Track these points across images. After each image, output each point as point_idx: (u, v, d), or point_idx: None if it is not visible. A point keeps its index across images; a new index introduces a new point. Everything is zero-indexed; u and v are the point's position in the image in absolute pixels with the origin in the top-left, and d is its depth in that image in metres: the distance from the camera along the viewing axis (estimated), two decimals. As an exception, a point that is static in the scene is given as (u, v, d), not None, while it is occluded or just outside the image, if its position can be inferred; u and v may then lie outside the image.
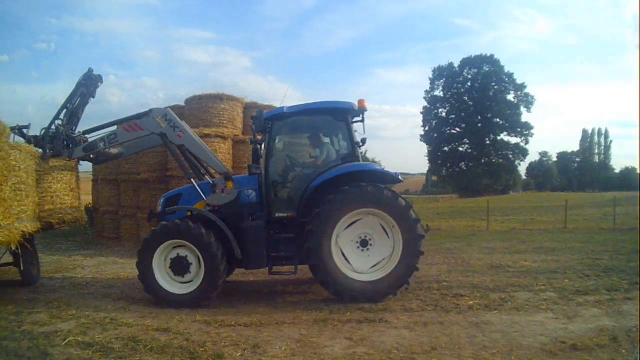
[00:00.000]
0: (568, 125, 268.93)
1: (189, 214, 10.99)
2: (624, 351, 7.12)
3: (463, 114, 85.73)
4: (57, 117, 12.79)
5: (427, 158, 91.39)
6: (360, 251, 10.30)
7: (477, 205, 41.26)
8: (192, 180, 11.40)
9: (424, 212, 34.36)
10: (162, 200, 11.58)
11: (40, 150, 11.98)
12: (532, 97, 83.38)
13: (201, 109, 20.08)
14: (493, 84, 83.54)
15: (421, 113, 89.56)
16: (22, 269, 11.90)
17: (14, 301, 10.74)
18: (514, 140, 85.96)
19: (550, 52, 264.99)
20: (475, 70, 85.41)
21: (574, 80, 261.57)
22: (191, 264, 10.20)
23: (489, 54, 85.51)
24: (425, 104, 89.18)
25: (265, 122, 10.78)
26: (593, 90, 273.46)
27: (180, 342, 7.76)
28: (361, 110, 10.86)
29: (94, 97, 13.39)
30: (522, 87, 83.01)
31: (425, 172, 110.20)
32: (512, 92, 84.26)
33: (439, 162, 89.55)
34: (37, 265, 12.97)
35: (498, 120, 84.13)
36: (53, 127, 12.62)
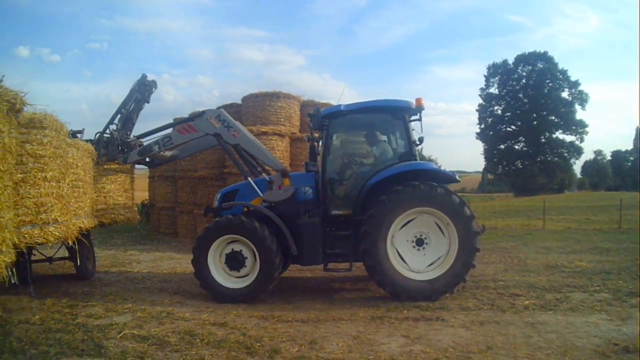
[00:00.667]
0: (622, 123, 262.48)
1: (246, 209, 10.95)
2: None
3: (518, 112, 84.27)
4: (111, 121, 12.96)
5: (483, 156, 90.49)
6: (416, 250, 10.11)
7: (533, 204, 40.64)
8: (248, 178, 11.37)
9: (480, 210, 33.96)
10: (218, 196, 11.56)
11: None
12: (586, 95, 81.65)
13: (258, 106, 19.95)
14: (547, 81, 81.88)
15: (477, 110, 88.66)
16: (77, 263, 12.04)
17: (68, 294, 10.80)
18: (568, 138, 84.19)
19: (602, 48, 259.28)
20: (530, 67, 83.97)
21: (627, 77, 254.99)
22: (246, 258, 10.18)
23: (542, 51, 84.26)
24: (481, 101, 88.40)
25: (323, 119, 10.69)
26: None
27: (237, 336, 7.70)
28: (418, 108, 10.67)
29: (148, 102, 13.47)
30: (576, 84, 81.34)
31: (481, 170, 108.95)
32: (566, 90, 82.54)
33: (495, 160, 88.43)
34: (92, 260, 13.08)
35: (553, 117, 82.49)
36: (107, 132, 12.77)
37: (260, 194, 10.90)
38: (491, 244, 18.41)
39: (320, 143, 11.08)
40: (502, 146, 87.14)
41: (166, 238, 22.15)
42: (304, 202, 10.81)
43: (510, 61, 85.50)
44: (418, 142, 10.77)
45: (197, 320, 8.65)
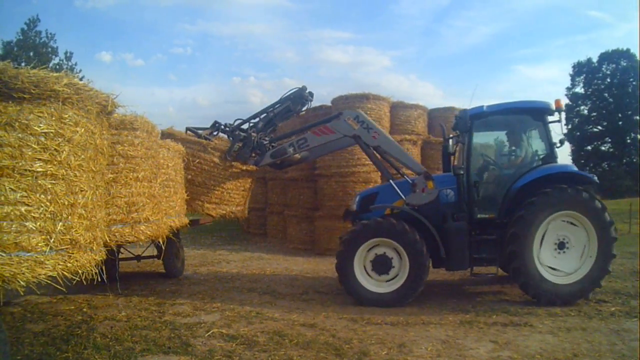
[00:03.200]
0: None
1: (388, 212, 10.80)
2: None
3: (604, 112, 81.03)
4: (253, 117, 12.93)
5: (570, 157, 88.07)
6: (557, 253, 9.91)
7: (619, 207, 39.28)
8: (391, 180, 11.14)
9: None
10: (357, 199, 11.46)
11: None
12: (670, 94, 78.18)
13: (348, 108, 19.64)
14: (631, 79, 78.89)
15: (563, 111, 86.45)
16: (166, 261, 12.22)
17: (156, 292, 10.92)
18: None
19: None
20: (614, 66, 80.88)
21: None
22: (393, 266, 10.07)
23: (625, 48, 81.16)
24: (567, 101, 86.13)
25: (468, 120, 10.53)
26: None
27: (326, 338, 7.63)
28: (558, 109, 10.51)
29: (297, 114, 13.40)
30: (660, 82, 78.06)
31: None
32: (650, 88, 79.35)
33: (582, 161, 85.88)
34: (181, 259, 13.16)
35: (638, 117, 79.39)
36: (244, 131, 12.76)
37: (403, 197, 10.73)
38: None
39: (451, 143, 11.21)
40: (588, 147, 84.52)
41: (255, 238, 22.36)
42: (447, 205, 10.65)
43: (595, 59, 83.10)
44: (559, 144, 10.59)
45: (286, 321, 8.61)
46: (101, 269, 6.32)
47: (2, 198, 4.96)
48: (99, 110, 6.37)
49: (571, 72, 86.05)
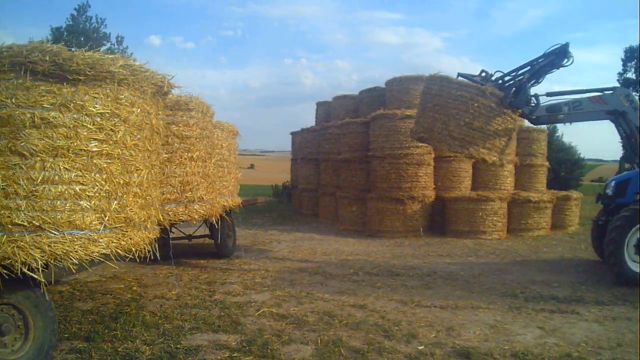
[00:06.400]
0: None
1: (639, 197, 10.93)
2: None
3: (657, 98, 79.17)
4: (518, 69, 12.40)
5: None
6: None
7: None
8: None
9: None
10: (612, 184, 11.81)
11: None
12: None
13: (402, 90, 19.35)
14: None
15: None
16: (217, 241, 12.11)
17: (207, 272, 10.86)
18: None
19: None
20: None
21: None
22: None
23: None
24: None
25: None
26: None
27: (375, 319, 7.50)
28: None
29: (557, 69, 12.64)
30: None
31: (618, 159, 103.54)
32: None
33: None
34: (233, 238, 13.16)
35: None
36: (518, 80, 12.34)
37: None
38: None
39: None
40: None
41: (307, 219, 22.15)
42: None
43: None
44: None
45: (336, 301, 8.49)
46: (154, 247, 6.31)
47: (57, 177, 4.95)
48: (155, 91, 6.32)
49: (623, 57, 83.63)
